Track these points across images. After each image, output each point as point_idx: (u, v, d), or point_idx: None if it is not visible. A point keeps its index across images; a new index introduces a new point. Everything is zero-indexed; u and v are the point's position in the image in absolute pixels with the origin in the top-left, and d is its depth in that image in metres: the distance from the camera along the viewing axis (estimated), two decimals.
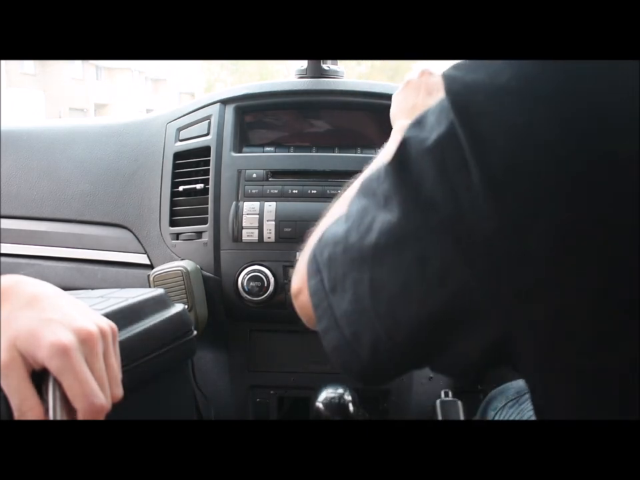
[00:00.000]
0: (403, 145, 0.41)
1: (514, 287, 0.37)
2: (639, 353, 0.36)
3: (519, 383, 0.90)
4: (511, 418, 0.83)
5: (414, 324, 0.42)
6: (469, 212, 0.36)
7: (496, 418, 0.86)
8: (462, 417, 0.98)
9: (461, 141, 0.36)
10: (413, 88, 0.77)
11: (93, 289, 0.87)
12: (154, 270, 1.05)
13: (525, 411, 0.82)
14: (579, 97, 0.34)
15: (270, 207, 1.05)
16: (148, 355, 0.68)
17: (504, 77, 0.36)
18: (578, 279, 0.35)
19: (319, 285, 0.47)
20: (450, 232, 0.38)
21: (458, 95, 0.38)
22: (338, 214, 0.50)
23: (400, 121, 0.74)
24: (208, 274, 1.07)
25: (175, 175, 1.11)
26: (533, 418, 0.79)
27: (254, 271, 1.04)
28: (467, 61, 0.39)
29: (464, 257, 0.38)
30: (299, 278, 0.51)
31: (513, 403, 0.86)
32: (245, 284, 1.04)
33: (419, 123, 0.41)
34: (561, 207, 0.34)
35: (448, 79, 0.39)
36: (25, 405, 0.43)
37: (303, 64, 1.18)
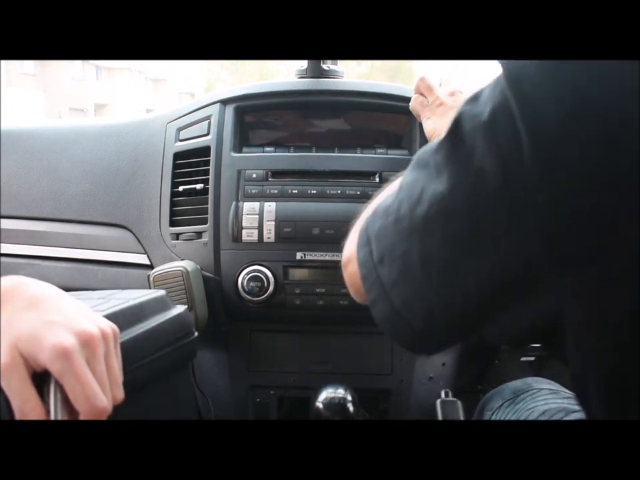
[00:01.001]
0: (458, 119, 0.42)
1: (565, 255, 0.37)
2: None
3: (516, 384, 0.91)
4: (507, 418, 0.83)
5: (466, 293, 0.42)
6: (518, 182, 0.37)
7: (492, 418, 0.86)
8: (462, 417, 0.98)
9: (514, 112, 0.37)
10: None
11: (93, 289, 0.87)
12: (154, 270, 1.04)
13: (521, 411, 0.82)
14: (632, 72, 0.34)
15: (270, 207, 1.05)
16: (149, 356, 0.68)
17: None
18: (631, 247, 0.35)
19: (368, 257, 0.48)
20: (501, 202, 0.38)
21: (512, 69, 0.39)
22: (392, 191, 0.50)
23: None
24: (208, 274, 1.07)
25: (174, 175, 1.11)
26: (529, 418, 0.80)
27: (254, 271, 1.04)
28: None
29: (514, 226, 0.38)
30: (349, 249, 0.53)
31: (509, 403, 0.86)
32: (244, 284, 1.04)
33: (475, 98, 0.42)
34: (611, 178, 0.34)
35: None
36: (27, 407, 0.43)
37: (303, 64, 1.17)
